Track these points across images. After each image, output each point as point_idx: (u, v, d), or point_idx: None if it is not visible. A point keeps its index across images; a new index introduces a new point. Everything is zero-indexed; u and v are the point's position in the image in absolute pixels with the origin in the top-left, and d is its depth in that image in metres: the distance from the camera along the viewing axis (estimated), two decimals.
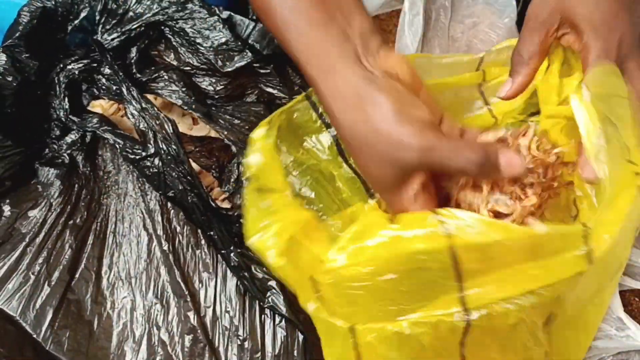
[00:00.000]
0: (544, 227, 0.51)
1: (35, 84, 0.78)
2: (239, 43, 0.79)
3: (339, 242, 0.54)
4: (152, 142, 0.74)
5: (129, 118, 0.75)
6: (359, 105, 0.56)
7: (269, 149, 0.63)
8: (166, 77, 0.79)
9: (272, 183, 0.61)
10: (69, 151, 0.78)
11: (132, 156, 0.75)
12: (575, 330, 0.67)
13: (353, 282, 0.53)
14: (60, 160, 0.78)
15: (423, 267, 0.52)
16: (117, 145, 0.75)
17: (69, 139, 0.79)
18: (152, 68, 0.81)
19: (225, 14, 0.80)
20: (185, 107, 0.77)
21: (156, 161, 0.74)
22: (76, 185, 0.78)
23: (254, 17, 0.84)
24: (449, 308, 0.55)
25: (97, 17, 0.81)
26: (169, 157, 0.74)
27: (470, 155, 0.54)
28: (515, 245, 0.51)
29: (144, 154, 0.74)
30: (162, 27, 0.81)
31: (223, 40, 0.80)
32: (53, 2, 0.80)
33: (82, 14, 0.81)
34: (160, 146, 0.74)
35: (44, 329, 0.72)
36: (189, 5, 0.80)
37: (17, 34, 0.79)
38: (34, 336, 0.72)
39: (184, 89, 0.79)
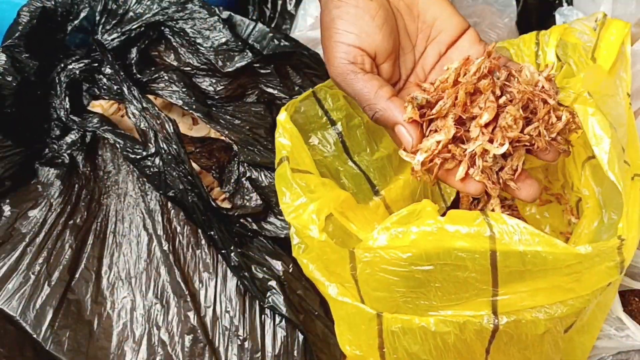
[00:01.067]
0: (588, 248, 0.51)
1: (35, 84, 0.78)
2: (239, 43, 0.79)
3: (383, 222, 0.54)
4: (152, 141, 0.74)
5: (129, 118, 0.75)
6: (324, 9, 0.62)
7: (295, 133, 0.64)
8: (166, 77, 0.79)
9: (303, 165, 0.62)
10: (69, 151, 0.78)
11: (133, 156, 0.75)
12: (583, 334, 0.68)
13: (389, 265, 0.54)
14: (60, 160, 0.78)
15: (461, 265, 0.52)
16: (118, 145, 0.75)
17: (69, 139, 0.79)
18: (153, 69, 0.80)
19: (225, 14, 0.80)
20: (186, 108, 0.77)
21: (157, 161, 0.74)
22: (76, 185, 0.78)
23: (254, 17, 0.84)
24: (479, 310, 0.56)
25: (97, 18, 0.81)
26: (170, 157, 0.74)
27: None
28: (555, 259, 0.51)
29: (144, 153, 0.75)
30: (162, 28, 0.81)
31: (223, 40, 0.80)
32: (53, 2, 0.80)
33: (82, 14, 0.81)
34: (161, 146, 0.74)
35: (44, 329, 0.72)
36: (189, 6, 0.80)
37: (17, 34, 0.79)
38: (34, 336, 0.72)
39: (184, 90, 0.78)
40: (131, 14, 0.81)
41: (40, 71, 0.78)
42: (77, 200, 0.77)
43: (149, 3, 0.80)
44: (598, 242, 0.54)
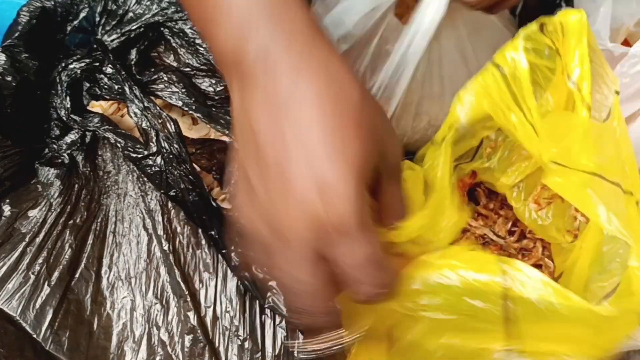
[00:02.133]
0: (610, 309, 0.50)
1: (35, 84, 0.78)
2: None
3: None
4: (154, 140, 0.74)
5: (131, 117, 0.75)
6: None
7: None
8: (166, 78, 0.79)
9: None
10: (68, 151, 0.78)
11: (134, 155, 0.75)
12: None
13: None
14: (60, 160, 0.78)
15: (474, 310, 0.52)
16: (119, 145, 0.75)
17: (69, 138, 0.79)
18: (152, 70, 0.80)
19: None
20: (186, 109, 0.77)
21: (158, 160, 0.75)
22: (76, 185, 0.78)
23: None
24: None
25: (97, 19, 0.81)
26: (171, 156, 0.74)
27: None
28: (572, 313, 0.51)
29: (145, 152, 0.75)
30: (162, 29, 0.81)
31: None
32: (53, 2, 0.80)
33: (82, 14, 0.81)
34: (163, 145, 0.74)
35: (43, 329, 0.72)
36: None
37: (16, 34, 0.78)
38: (34, 336, 0.72)
39: (183, 90, 0.78)
40: (131, 14, 0.81)
41: (40, 71, 0.78)
42: (77, 200, 0.77)
43: (148, 4, 0.80)
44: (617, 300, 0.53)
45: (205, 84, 0.81)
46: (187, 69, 0.81)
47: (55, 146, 0.79)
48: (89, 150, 0.79)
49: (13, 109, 0.77)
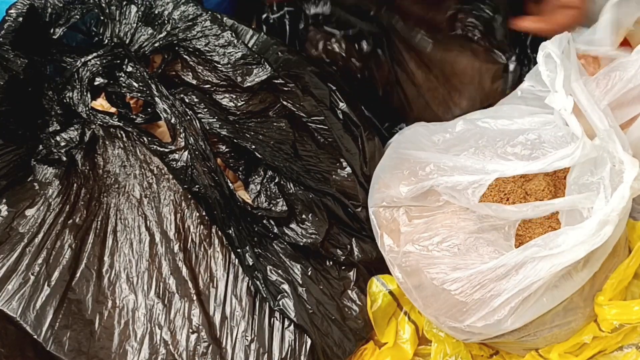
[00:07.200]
0: None
1: (25, 81, 0.76)
2: (256, 56, 0.78)
3: None
4: (182, 136, 0.75)
5: (160, 114, 0.75)
6: None
7: None
8: (187, 100, 0.79)
9: None
10: (66, 149, 0.77)
11: (161, 149, 0.76)
12: None
13: None
14: (57, 158, 0.77)
15: None
16: (143, 140, 0.76)
17: (67, 135, 0.78)
18: (172, 90, 0.79)
19: (228, 22, 0.80)
20: (208, 128, 0.77)
21: (184, 156, 0.75)
22: (75, 184, 0.77)
23: (253, 27, 0.82)
24: None
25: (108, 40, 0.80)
26: (197, 152, 0.75)
27: None
28: None
29: (172, 147, 0.75)
30: (177, 48, 0.80)
31: (239, 55, 0.79)
32: (43, 1, 0.78)
33: (76, 15, 0.79)
34: (190, 141, 0.75)
35: (44, 329, 0.71)
36: (199, 22, 0.79)
37: (2, 32, 0.77)
38: (35, 337, 0.71)
39: (205, 110, 0.78)
40: (137, 46, 0.80)
41: (30, 68, 0.76)
42: (76, 199, 0.77)
43: (151, 32, 0.79)
44: None
45: (225, 99, 0.80)
46: (207, 86, 0.81)
47: (52, 144, 0.77)
48: (88, 148, 0.78)
49: (3, 106, 0.75)
